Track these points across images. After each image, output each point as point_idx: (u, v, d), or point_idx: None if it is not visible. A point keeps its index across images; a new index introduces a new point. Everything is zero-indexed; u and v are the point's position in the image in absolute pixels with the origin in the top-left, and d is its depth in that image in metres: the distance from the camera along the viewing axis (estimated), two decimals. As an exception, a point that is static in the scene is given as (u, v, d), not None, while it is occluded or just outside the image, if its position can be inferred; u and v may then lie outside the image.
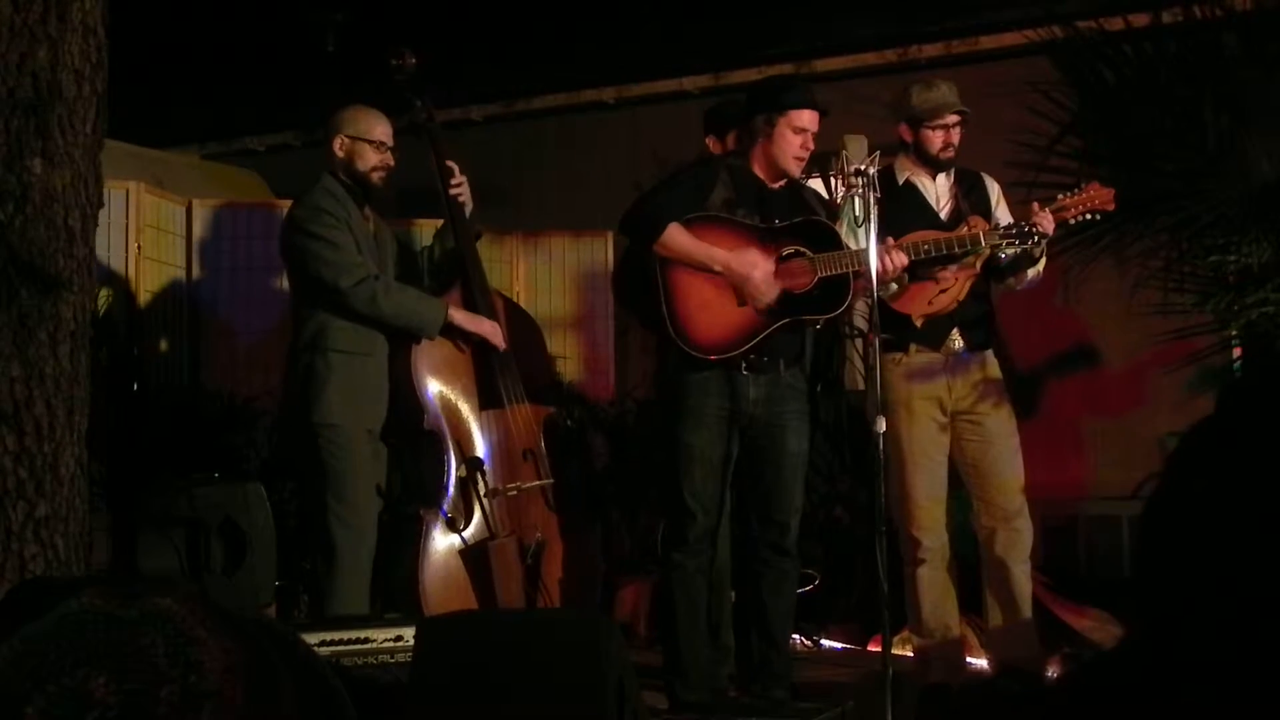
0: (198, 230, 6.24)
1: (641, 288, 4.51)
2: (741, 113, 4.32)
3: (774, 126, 4.11)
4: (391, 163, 4.47)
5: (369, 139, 4.42)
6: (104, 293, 5.42)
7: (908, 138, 4.48)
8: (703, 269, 4.06)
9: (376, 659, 3.33)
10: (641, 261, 4.20)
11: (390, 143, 4.47)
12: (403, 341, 4.40)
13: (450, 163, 4.62)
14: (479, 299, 4.52)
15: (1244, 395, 1.13)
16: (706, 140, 4.70)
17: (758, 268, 4.04)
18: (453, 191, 4.58)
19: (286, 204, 5.05)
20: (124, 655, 1.12)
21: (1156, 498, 1.12)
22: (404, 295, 4.38)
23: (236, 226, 6.31)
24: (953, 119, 4.42)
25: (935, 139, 4.43)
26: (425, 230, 5.77)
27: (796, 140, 4.10)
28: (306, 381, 4.29)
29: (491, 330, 4.47)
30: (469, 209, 4.63)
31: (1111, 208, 4.24)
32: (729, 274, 4.05)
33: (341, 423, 4.27)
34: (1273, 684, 0.98)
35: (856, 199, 3.91)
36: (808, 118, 4.11)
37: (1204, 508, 1.07)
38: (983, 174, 4.61)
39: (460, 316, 4.43)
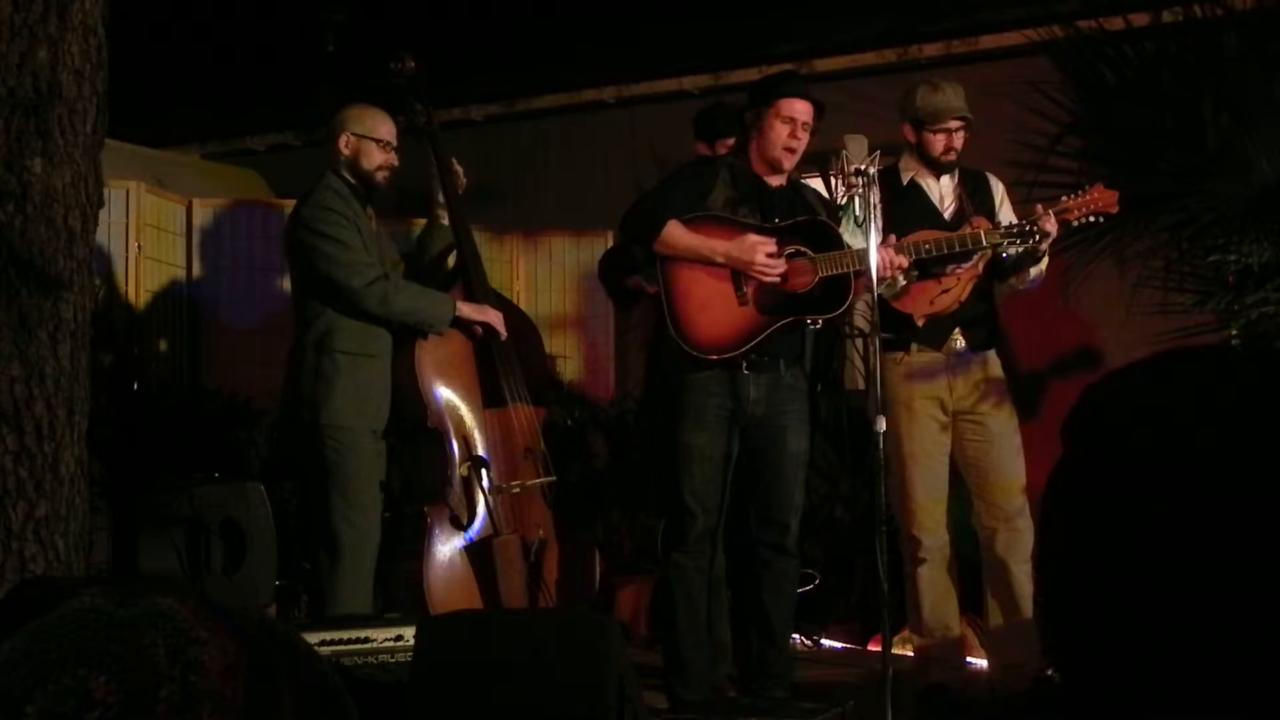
0: (198, 230, 6.25)
1: (625, 276, 4.58)
2: (732, 118, 4.31)
3: (763, 119, 4.09)
4: (395, 162, 4.49)
5: (374, 137, 4.43)
6: (103, 292, 5.42)
7: (911, 138, 4.47)
8: (704, 262, 4.05)
9: (376, 659, 3.34)
10: (629, 256, 4.19)
11: (395, 142, 4.49)
12: (406, 340, 4.41)
13: (453, 164, 4.65)
14: (480, 298, 4.56)
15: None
16: (696, 146, 4.69)
17: (758, 249, 4.02)
18: (457, 187, 4.61)
19: (286, 204, 5.05)
20: (124, 655, 1.11)
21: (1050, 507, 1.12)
22: (413, 292, 4.41)
23: (236, 226, 6.31)
24: (955, 124, 4.39)
25: (937, 142, 4.41)
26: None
27: (785, 130, 4.06)
28: (314, 383, 4.29)
29: (497, 318, 4.52)
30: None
31: (1115, 210, 4.22)
32: (731, 262, 4.03)
33: (349, 424, 4.28)
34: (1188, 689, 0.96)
35: (858, 199, 3.91)
36: (798, 107, 4.07)
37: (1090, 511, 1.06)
38: (987, 173, 4.60)
39: (467, 308, 4.48)
